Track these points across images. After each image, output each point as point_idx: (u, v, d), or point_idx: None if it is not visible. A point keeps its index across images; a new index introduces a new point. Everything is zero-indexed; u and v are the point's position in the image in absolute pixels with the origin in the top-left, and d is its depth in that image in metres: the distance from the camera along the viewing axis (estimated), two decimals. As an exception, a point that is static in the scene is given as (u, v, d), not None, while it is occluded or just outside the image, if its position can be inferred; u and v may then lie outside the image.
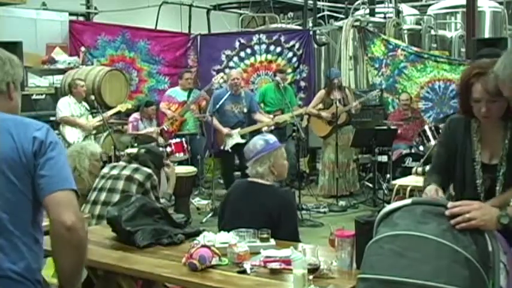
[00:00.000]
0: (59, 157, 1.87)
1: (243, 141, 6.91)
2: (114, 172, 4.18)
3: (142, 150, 4.46)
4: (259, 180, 3.48)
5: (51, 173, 1.84)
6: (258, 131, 7.01)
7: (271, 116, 7.88)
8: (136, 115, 7.78)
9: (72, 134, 7.23)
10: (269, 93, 8.32)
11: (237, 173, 7.26)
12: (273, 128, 7.57)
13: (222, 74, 8.37)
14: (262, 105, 8.22)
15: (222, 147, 7.35)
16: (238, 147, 7.00)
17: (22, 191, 1.84)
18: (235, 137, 7.30)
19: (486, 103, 2.34)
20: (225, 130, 7.27)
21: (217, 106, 7.21)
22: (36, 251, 1.89)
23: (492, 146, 2.47)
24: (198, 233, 3.24)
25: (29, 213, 1.86)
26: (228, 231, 3.09)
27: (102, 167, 4.42)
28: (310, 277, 2.49)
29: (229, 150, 7.34)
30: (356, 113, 8.20)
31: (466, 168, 2.49)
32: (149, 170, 4.21)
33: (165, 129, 7.88)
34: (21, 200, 1.84)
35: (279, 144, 3.58)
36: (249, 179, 3.57)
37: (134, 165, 4.21)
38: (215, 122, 7.19)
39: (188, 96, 8.15)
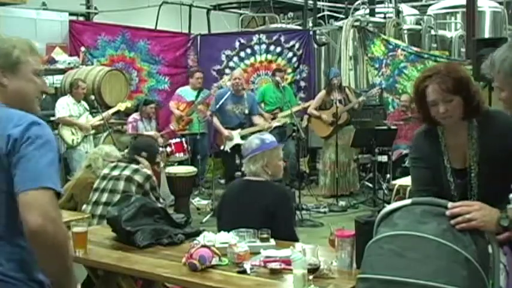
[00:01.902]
0: (34, 152, 1.72)
1: (243, 142, 6.90)
2: (115, 173, 4.19)
3: (135, 155, 4.40)
4: (253, 178, 3.49)
5: (23, 171, 1.71)
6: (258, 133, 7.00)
7: (271, 115, 7.91)
8: (135, 115, 7.76)
9: (70, 134, 7.22)
10: (268, 92, 8.35)
11: (238, 173, 7.25)
12: (273, 127, 7.57)
13: (230, 76, 8.35)
14: (262, 104, 8.24)
15: (222, 148, 7.36)
16: (238, 148, 7.00)
17: None
18: (235, 138, 7.30)
19: (443, 103, 2.32)
20: (226, 133, 7.26)
21: (218, 106, 7.21)
22: (29, 248, 1.76)
23: (461, 150, 2.41)
24: (198, 233, 3.25)
25: (9, 208, 1.75)
26: (228, 232, 3.09)
27: None
28: (310, 277, 2.50)
29: (229, 150, 7.33)
30: (358, 110, 8.20)
31: (440, 177, 2.43)
32: (149, 172, 4.22)
33: (172, 128, 7.87)
34: None
35: (275, 144, 3.58)
36: (244, 178, 3.59)
37: (134, 166, 4.22)
38: (216, 122, 7.19)
39: (197, 96, 8.15)
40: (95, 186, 4.26)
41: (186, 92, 8.25)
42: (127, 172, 4.15)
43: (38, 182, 1.70)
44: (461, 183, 2.40)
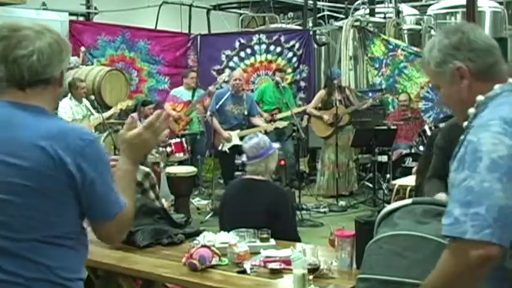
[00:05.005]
0: (103, 176, 1.74)
1: (241, 143, 6.87)
2: (113, 172, 4.16)
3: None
4: (256, 177, 3.49)
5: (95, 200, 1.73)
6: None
7: (269, 115, 7.92)
8: (134, 115, 7.74)
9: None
10: (268, 91, 8.35)
11: (238, 173, 7.25)
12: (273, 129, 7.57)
13: (228, 72, 8.31)
14: (260, 103, 8.24)
15: (219, 148, 7.34)
16: (237, 149, 7.00)
17: (65, 203, 1.68)
18: (233, 139, 7.28)
19: None
20: (225, 134, 7.24)
21: (218, 106, 7.20)
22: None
23: None
24: (198, 233, 3.25)
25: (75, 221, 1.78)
26: (229, 231, 3.09)
27: None
28: (310, 277, 2.49)
29: (228, 151, 7.31)
30: (361, 111, 8.21)
31: None
32: (147, 169, 4.20)
33: (172, 129, 7.84)
34: (64, 214, 1.71)
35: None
36: (244, 177, 3.59)
37: None
38: (215, 122, 7.18)
39: (192, 96, 8.15)
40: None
41: (182, 93, 8.26)
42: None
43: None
44: None
